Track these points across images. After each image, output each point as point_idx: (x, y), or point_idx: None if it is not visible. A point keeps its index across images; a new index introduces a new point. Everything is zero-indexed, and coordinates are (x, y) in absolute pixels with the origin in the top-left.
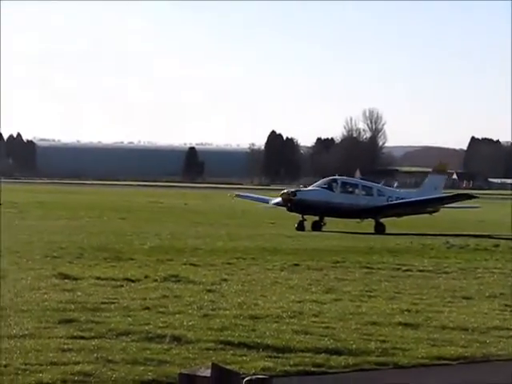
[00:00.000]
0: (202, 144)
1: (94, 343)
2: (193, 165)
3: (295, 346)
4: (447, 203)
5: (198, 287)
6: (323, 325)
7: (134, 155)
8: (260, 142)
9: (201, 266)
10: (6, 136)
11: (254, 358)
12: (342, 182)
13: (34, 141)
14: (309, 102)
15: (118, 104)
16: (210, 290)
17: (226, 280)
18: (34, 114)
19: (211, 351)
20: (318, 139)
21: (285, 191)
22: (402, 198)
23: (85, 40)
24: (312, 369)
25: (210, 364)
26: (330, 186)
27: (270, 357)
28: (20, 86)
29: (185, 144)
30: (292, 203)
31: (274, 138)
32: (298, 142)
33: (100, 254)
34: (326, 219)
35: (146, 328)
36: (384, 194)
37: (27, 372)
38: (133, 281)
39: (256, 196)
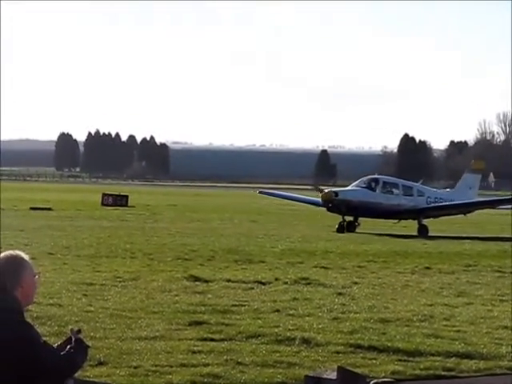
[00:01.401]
0: (334, 147)
1: (223, 345)
2: (325, 167)
3: (425, 349)
4: (498, 205)
5: (329, 290)
6: (454, 328)
7: (266, 158)
8: (393, 144)
9: (331, 269)
10: (139, 139)
11: (383, 362)
12: (383, 181)
13: (167, 144)
14: (443, 104)
15: (250, 107)
16: (340, 293)
17: (356, 283)
18: (167, 117)
19: (341, 354)
20: (452, 142)
21: (326, 190)
22: (440, 198)
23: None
24: (442, 373)
25: (335, 367)
26: (370, 186)
27: (400, 360)
28: (153, 89)
29: (317, 147)
30: (333, 203)
31: (407, 140)
32: (431, 144)
33: (231, 257)
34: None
35: (276, 330)
36: (423, 194)
37: (157, 373)
38: (263, 283)
39: (283, 194)
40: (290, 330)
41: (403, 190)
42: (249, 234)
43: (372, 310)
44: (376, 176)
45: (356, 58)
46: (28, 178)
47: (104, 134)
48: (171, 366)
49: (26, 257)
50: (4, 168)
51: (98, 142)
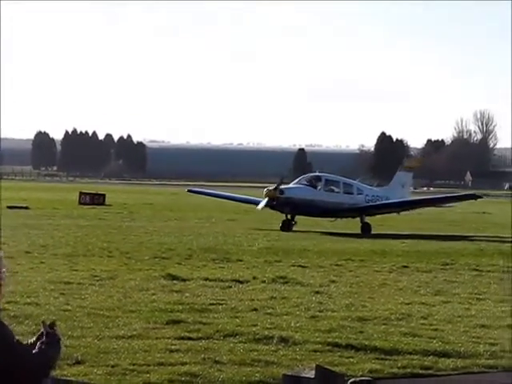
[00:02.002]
0: (311, 145)
1: (201, 344)
2: (302, 166)
3: (403, 348)
4: (449, 202)
5: (306, 289)
6: (432, 327)
7: (244, 156)
8: (370, 143)
9: (309, 268)
10: (116, 138)
11: (361, 360)
12: (326, 179)
13: (144, 142)
14: (419, 103)
15: (226, 106)
16: (317, 292)
17: (334, 281)
18: (144, 116)
19: (318, 353)
20: (429, 141)
21: (271, 188)
22: (377, 196)
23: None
24: (420, 371)
25: (314, 365)
26: (312, 183)
27: (378, 359)
28: (129, 88)
29: (294, 145)
30: (278, 201)
31: (384, 139)
32: (408, 143)
33: (208, 256)
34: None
35: (254, 329)
36: (362, 192)
37: (135, 372)
38: (241, 282)
39: (214, 192)
40: (267, 328)
41: (344, 187)
42: (226, 233)
43: (350, 308)
44: (318, 173)
45: (334, 56)
46: (5, 177)
47: (81, 132)
48: (149, 365)
49: None
50: None
51: (75, 141)
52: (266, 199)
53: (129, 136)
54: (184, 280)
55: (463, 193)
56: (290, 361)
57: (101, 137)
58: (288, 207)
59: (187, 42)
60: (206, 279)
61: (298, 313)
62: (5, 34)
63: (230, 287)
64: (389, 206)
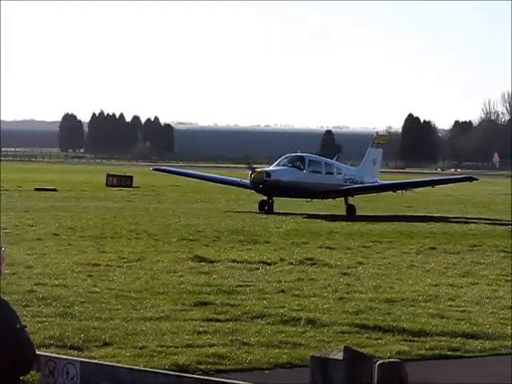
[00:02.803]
0: (338, 127)
1: (229, 326)
2: (329, 148)
3: (431, 329)
4: (444, 184)
5: (334, 270)
6: (459, 309)
7: (271, 138)
8: (397, 125)
9: (336, 249)
10: (143, 120)
11: (389, 342)
12: (309, 159)
13: (172, 124)
14: (447, 84)
15: (255, 88)
16: (345, 273)
17: (361, 263)
18: (172, 98)
19: (346, 334)
20: (456, 122)
21: (258, 170)
22: (354, 175)
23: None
24: (448, 353)
25: (342, 347)
26: (296, 165)
27: (406, 340)
28: (156, 70)
29: (321, 127)
30: (265, 184)
31: (412, 121)
32: (436, 124)
33: (236, 237)
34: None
35: (281, 311)
36: (341, 172)
37: (163, 354)
38: (268, 264)
39: (182, 171)
40: (295, 310)
41: (325, 168)
42: (254, 214)
43: (377, 290)
44: (300, 154)
45: (361, 37)
46: (32, 159)
47: (108, 114)
48: (177, 347)
49: None
50: (8, 149)
51: (103, 123)
52: (253, 182)
53: (156, 118)
54: (211, 262)
55: (491, 173)
56: (318, 342)
57: (128, 119)
58: (276, 190)
59: (211, 21)
60: (234, 261)
61: (325, 294)
62: (32, 17)
63: (258, 269)
64: (381, 187)
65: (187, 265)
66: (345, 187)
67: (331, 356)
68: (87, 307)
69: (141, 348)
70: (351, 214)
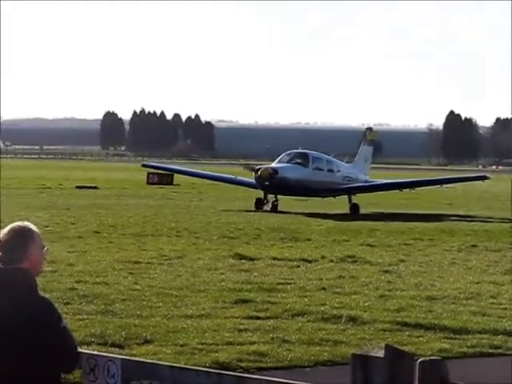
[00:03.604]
0: (379, 124)
1: (269, 323)
2: None
3: (472, 327)
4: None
5: (375, 268)
6: (501, 306)
7: (311, 136)
8: (438, 122)
9: (377, 247)
10: (184, 118)
11: (430, 339)
12: (313, 156)
13: (212, 122)
14: (488, 81)
15: (295, 85)
16: (386, 271)
17: (402, 261)
18: (212, 96)
19: (387, 332)
20: (498, 119)
21: (263, 167)
22: (350, 173)
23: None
24: (490, 351)
25: (383, 345)
26: (300, 162)
27: (447, 338)
28: (199, 68)
29: (362, 124)
30: (272, 182)
31: (453, 118)
32: (477, 122)
33: (276, 235)
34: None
35: (322, 308)
36: (340, 170)
37: (203, 351)
38: (309, 261)
39: (172, 167)
40: (336, 307)
41: (327, 165)
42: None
43: (418, 287)
44: (303, 150)
45: (404, 36)
46: (73, 157)
47: (149, 112)
48: (217, 344)
49: (34, 228)
50: (50, 147)
51: (144, 121)
52: (259, 179)
53: (197, 116)
54: (252, 259)
55: None
56: (359, 340)
57: (169, 117)
58: (282, 188)
59: (256, 20)
60: (275, 258)
61: (366, 292)
62: (75, 15)
63: (299, 266)
64: (387, 185)
65: (228, 262)
66: (346, 185)
67: (372, 354)
68: (128, 305)
69: (182, 345)
70: (355, 213)
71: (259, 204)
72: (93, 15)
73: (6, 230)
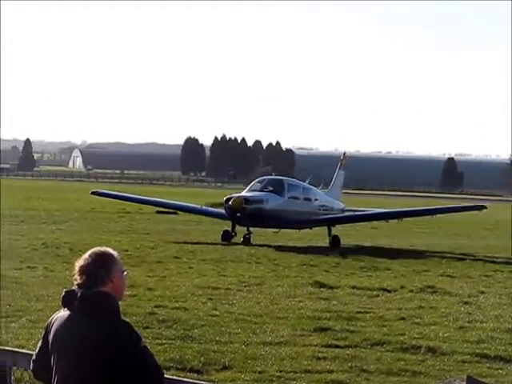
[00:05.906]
0: (461, 154)
1: (348, 352)
2: (451, 175)
3: None
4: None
5: (455, 299)
6: None
7: (392, 165)
8: None
9: (457, 278)
10: (265, 144)
11: (510, 372)
12: (289, 183)
13: (293, 149)
14: None
15: (376, 114)
16: (466, 302)
17: (483, 292)
18: (293, 123)
19: (466, 364)
20: None
21: (235, 195)
22: (326, 201)
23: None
24: None
25: (464, 376)
26: (275, 190)
27: None
28: (281, 95)
29: (443, 154)
30: (244, 212)
31: None
32: None
33: (356, 264)
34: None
35: (401, 338)
36: (317, 198)
37: (282, 379)
38: (389, 291)
39: (123, 195)
40: (415, 338)
41: (304, 193)
42: (373, 241)
43: (499, 319)
44: (278, 177)
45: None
46: (154, 182)
47: (230, 138)
48: (296, 372)
49: (114, 253)
50: (130, 171)
51: (224, 147)
52: (229, 210)
53: (277, 143)
54: (331, 288)
55: None
56: (438, 371)
57: (249, 143)
58: (255, 219)
59: (336, 46)
60: (354, 287)
61: (446, 323)
62: (138, 39)
63: (378, 296)
64: (372, 216)
65: (307, 290)
66: (327, 216)
67: None
68: (207, 330)
69: (260, 372)
70: (336, 246)
71: (226, 237)
72: (155, 38)
73: (86, 255)
